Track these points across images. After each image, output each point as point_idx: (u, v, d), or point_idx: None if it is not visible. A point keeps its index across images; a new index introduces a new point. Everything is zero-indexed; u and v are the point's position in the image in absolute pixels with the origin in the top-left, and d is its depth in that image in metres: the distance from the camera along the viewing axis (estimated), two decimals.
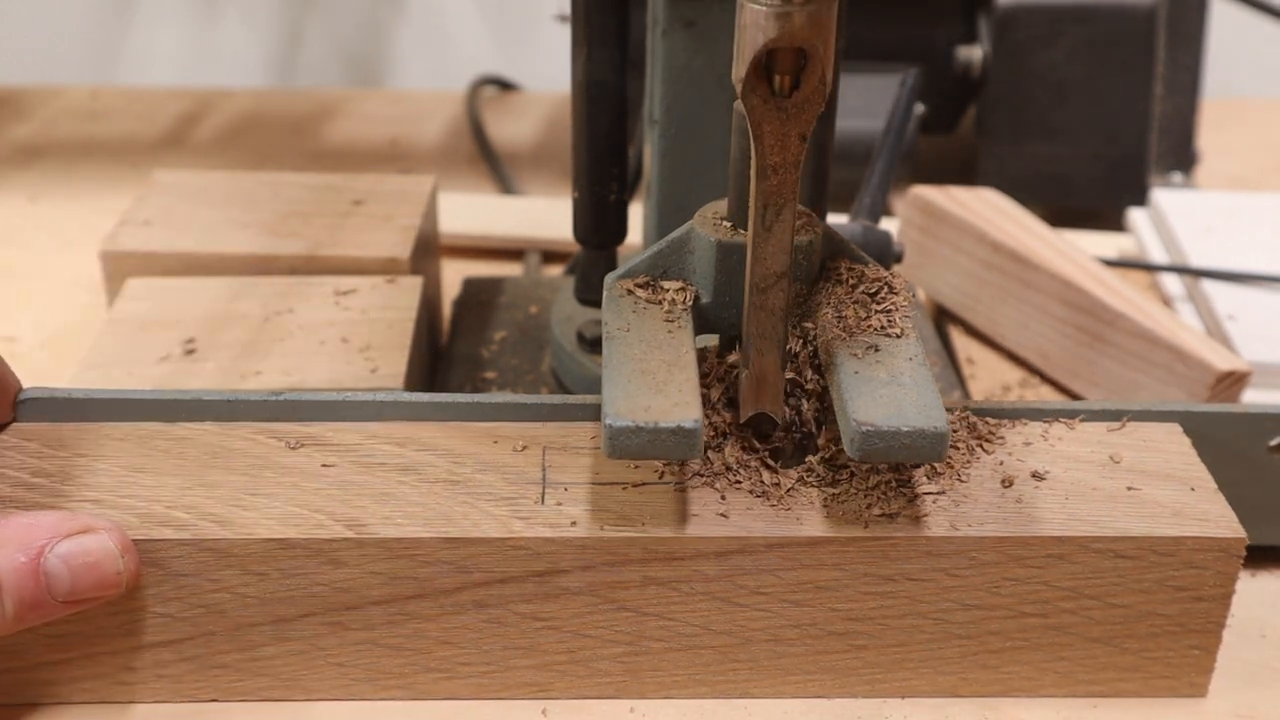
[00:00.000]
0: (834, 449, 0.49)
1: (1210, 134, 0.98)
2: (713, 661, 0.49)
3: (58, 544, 0.45)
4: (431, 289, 0.70)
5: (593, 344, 0.63)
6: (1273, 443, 0.54)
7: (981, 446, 0.51)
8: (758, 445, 0.50)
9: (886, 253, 0.61)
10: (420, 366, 0.64)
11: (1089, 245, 0.78)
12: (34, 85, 1.11)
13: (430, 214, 0.73)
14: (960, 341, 0.73)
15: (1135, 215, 0.82)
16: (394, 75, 1.32)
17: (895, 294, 0.50)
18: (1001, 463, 0.51)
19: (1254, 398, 0.63)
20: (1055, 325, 0.68)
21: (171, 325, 0.62)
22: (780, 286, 0.46)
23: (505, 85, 1.13)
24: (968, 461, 0.50)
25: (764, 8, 0.40)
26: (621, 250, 0.63)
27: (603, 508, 0.48)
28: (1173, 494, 0.49)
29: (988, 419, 0.52)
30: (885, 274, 0.50)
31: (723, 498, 0.48)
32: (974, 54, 0.88)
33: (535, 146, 1.03)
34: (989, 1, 0.87)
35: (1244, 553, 0.48)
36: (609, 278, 0.51)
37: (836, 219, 0.58)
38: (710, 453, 0.49)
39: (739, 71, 0.42)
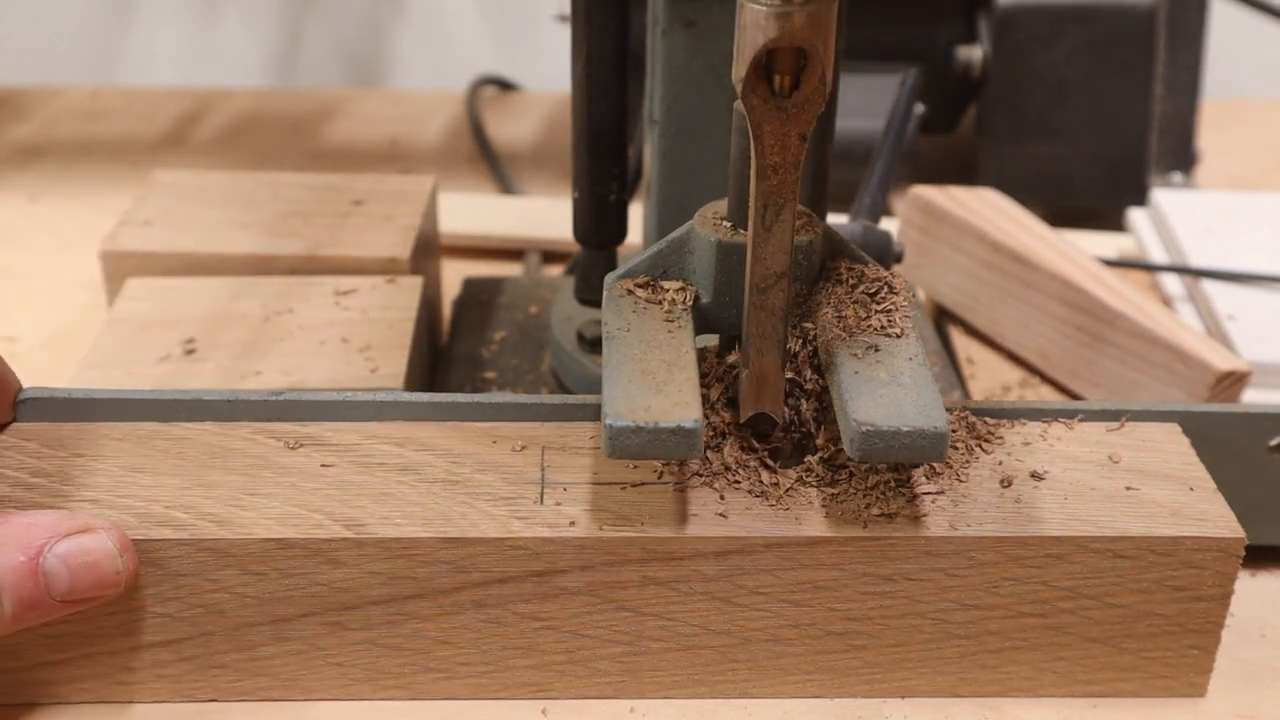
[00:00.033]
0: (833, 449, 0.49)
1: (1210, 134, 0.98)
2: (712, 661, 0.49)
3: (56, 543, 0.45)
4: (431, 289, 0.70)
5: (593, 344, 0.63)
6: (1273, 443, 0.54)
7: (980, 446, 0.51)
8: (756, 445, 0.50)
9: (886, 253, 0.61)
10: (420, 366, 0.64)
11: (1089, 245, 0.78)
12: (34, 85, 1.11)
13: (430, 214, 0.73)
14: (960, 341, 0.73)
15: (1135, 215, 0.82)
16: (394, 75, 1.32)
17: (895, 294, 0.50)
18: (1000, 463, 0.51)
19: (1254, 398, 0.63)
20: (1055, 325, 0.68)
21: (171, 325, 0.62)
22: (780, 286, 0.46)
23: (505, 85, 1.13)
24: (967, 461, 0.50)
25: (764, 8, 0.40)
26: (621, 250, 0.63)
27: (601, 508, 0.48)
28: (1171, 494, 0.49)
29: (986, 419, 0.52)
30: (885, 274, 0.50)
31: (721, 498, 0.48)
32: (974, 54, 0.88)
33: (535, 146, 1.03)
34: (989, 1, 0.87)
35: (1243, 552, 0.48)
36: (609, 278, 0.51)
37: (836, 219, 0.58)
38: (709, 453, 0.49)
39: (739, 71, 0.42)
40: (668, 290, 0.50)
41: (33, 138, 1.01)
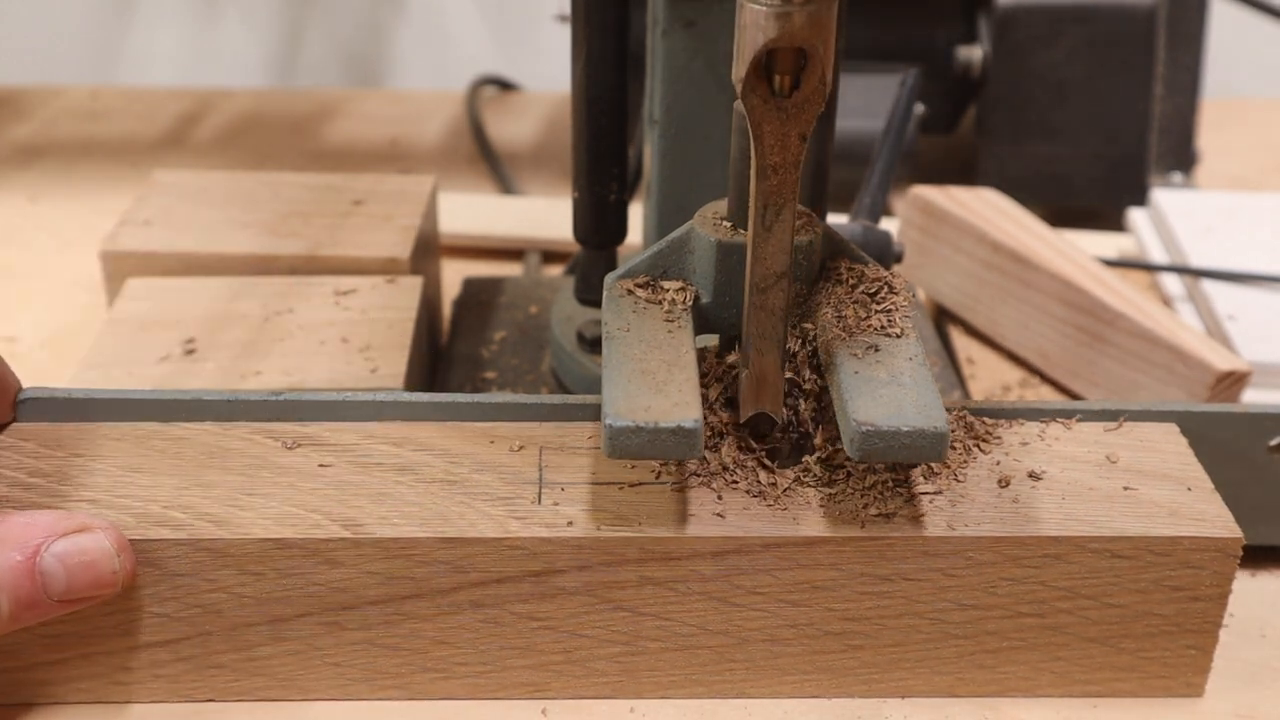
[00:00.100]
0: (831, 449, 0.49)
1: (1210, 134, 0.98)
2: (709, 661, 0.49)
3: (54, 543, 0.45)
4: (431, 289, 0.70)
5: (593, 344, 0.63)
6: (1273, 443, 0.54)
7: (978, 446, 0.51)
8: (754, 445, 0.50)
9: (886, 253, 0.61)
10: (420, 366, 0.64)
11: (1089, 245, 0.78)
12: (34, 85, 1.11)
13: (430, 214, 0.73)
14: (960, 341, 0.73)
15: (1135, 215, 0.82)
16: (394, 75, 1.32)
17: (895, 294, 0.50)
18: (998, 463, 0.51)
19: (1254, 398, 0.63)
20: (1055, 325, 0.68)
21: (171, 325, 0.62)
22: (780, 286, 0.46)
23: (505, 85, 1.13)
24: (964, 461, 0.50)
25: (764, 8, 0.40)
26: (621, 250, 0.63)
27: (599, 508, 0.48)
28: (1169, 494, 0.49)
29: (985, 419, 0.52)
30: (885, 274, 0.50)
31: (719, 498, 0.48)
32: (974, 54, 0.88)
33: (535, 146, 1.03)
34: (989, 1, 0.87)
35: (1240, 552, 0.48)
36: (609, 278, 0.51)
37: (836, 219, 0.58)
38: (707, 453, 0.49)
39: (739, 71, 0.42)
40: (668, 290, 0.50)
41: (33, 138, 1.01)
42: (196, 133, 1.03)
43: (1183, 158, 0.91)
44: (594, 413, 0.52)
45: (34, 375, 0.53)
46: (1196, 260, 0.73)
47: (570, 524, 0.47)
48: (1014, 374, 0.70)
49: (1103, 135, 0.88)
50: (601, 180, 0.59)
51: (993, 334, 0.72)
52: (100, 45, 1.30)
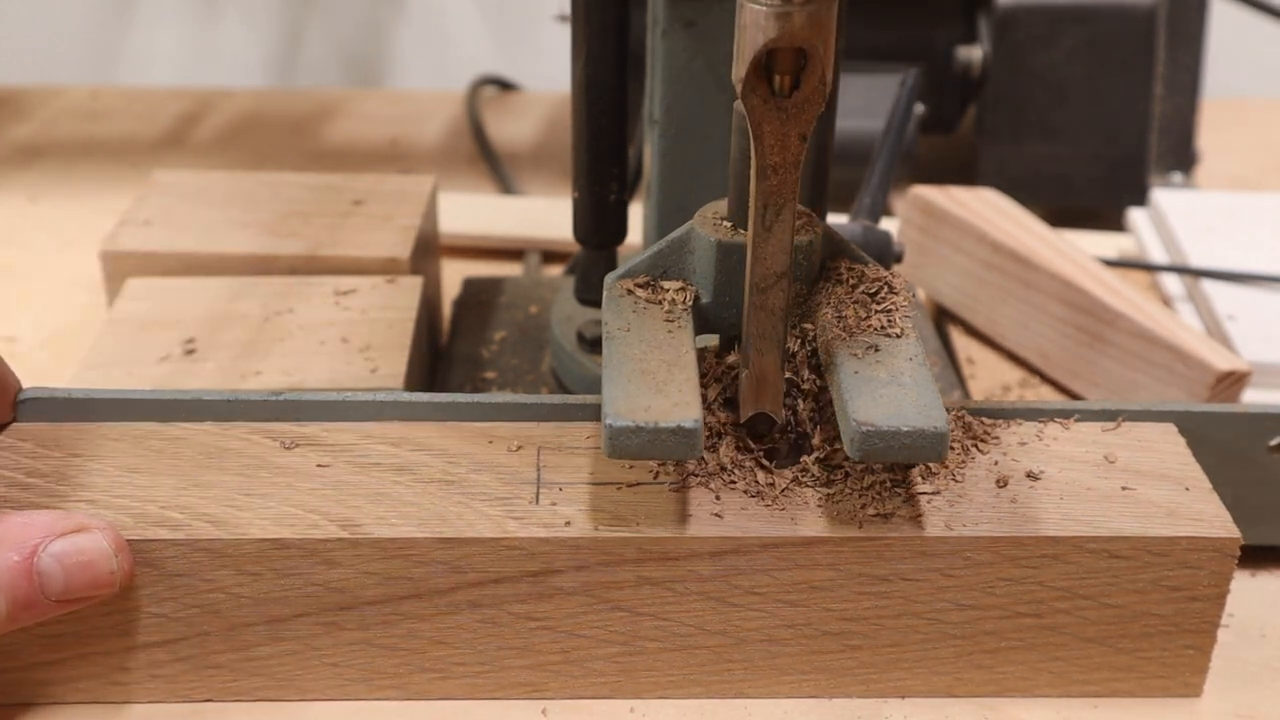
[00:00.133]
0: (829, 449, 0.49)
1: (1210, 134, 0.98)
2: (707, 662, 0.49)
3: (51, 543, 0.45)
4: (431, 289, 0.70)
5: (593, 344, 0.63)
6: (1273, 443, 0.54)
7: (977, 446, 0.51)
8: (753, 445, 0.50)
9: (886, 253, 0.61)
10: (420, 366, 0.64)
11: (1089, 245, 0.78)
12: (34, 85, 1.11)
13: (430, 214, 0.73)
14: (960, 341, 0.73)
15: (1135, 215, 0.82)
16: (394, 75, 1.32)
17: (895, 294, 0.50)
18: (996, 463, 0.51)
19: (1254, 398, 0.63)
20: (1055, 325, 0.68)
21: (171, 325, 0.62)
22: (780, 286, 0.46)
23: (505, 85, 1.13)
24: (963, 461, 0.50)
25: (764, 8, 0.40)
26: (621, 250, 0.63)
27: (597, 508, 0.48)
28: (1167, 494, 0.49)
29: (983, 419, 0.52)
30: (885, 274, 0.50)
31: (717, 498, 0.48)
32: (974, 54, 0.88)
33: (535, 146, 1.03)
34: (989, 1, 0.87)
35: (1238, 552, 0.48)
36: (609, 278, 0.51)
37: (836, 219, 0.58)
38: (705, 453, 0.49)
39: (739, 71, 0.42)
40: (668, 290, 0.50)
41: (33, 138, 1.01)
42: (196, 133, 1.03)
43: (1183, 158, 0.91)
44: (593, 413, 0.52)
45: (34, 375, 0.53)
46: (1196, 260, 0.73)
47: (568, 524, 0.47)
48: (1014, 374, 0.70)
49: (1103, 135, 0.88)
50: (601, 180, 0.59)
51: (993, 334, 0.72)
52: (100, 45, 1.30)
